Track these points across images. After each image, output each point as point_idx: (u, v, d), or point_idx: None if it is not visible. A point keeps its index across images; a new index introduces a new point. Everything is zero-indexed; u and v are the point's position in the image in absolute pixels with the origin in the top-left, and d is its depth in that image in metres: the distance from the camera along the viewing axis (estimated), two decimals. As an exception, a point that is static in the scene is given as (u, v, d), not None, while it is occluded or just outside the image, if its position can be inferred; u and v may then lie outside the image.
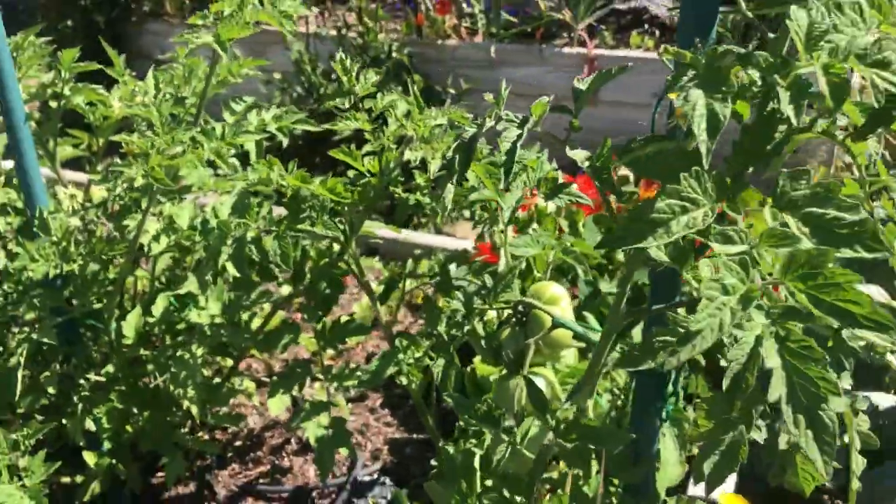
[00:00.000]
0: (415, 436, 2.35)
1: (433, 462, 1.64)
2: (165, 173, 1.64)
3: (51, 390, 1.92)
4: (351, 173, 1.70)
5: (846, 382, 1.10)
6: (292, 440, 2.37)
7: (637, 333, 1.34)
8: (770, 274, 0.80)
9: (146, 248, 1.87)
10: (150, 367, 1.91)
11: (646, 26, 4.18)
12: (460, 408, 1.34)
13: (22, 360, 1.76)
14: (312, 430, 1.78)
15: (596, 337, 1.21)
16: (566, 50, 4.01)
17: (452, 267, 1.74)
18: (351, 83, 1.62)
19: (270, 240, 1.63)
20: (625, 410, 1.45)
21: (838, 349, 1.00)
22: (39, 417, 1.92)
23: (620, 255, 2.09)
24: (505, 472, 1.30)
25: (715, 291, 0.78)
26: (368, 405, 2.47)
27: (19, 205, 1.93)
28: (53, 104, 1.99)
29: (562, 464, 1.33)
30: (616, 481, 1.34)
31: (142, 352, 2.00)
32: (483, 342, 1.57)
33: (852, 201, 0.82)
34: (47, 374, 1.90)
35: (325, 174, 1.67)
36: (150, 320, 1.88)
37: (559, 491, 1.31)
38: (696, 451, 1.11)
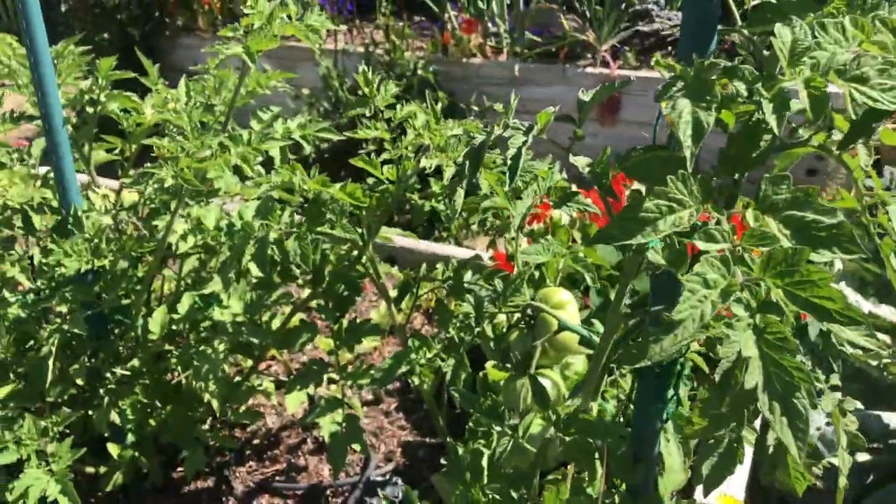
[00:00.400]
0: (428, 439, 2.41)
1: (443, 461, 1.70)
2: (194, 175, 1.73)
3: (79, 381, 2.00)
4: (370, 180, 1.78)
5: (835, 382, 1.15)
6: (308, 440, 2.44)
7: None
8: (751, 270, 0.86)
9: (174, 247, 1.96)
10: (173, 362, 1.98)
11: (669, 48, 4.23)
12: (466, 402, 1.40)
13: (53, 349, 1.84)
14: (327, 425, 1.85)
15: (600, 340, 1.26)
16: (589, 70, 4.07)
17: (468, 275, 1.81)
18: (372, 94, 1.71)
19: (292, 241, 1.71)
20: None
21: (825, 350, 1.05)
22: (67, 409, 2.01)
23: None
24: (507, 465, 1.36)
25: (697, 285, 0.84)
26: (383, 408, 2.53)
27: (54, 204, 2.02)
28: (90, 110, 2.09)
29: (569, 467, 1.38)
30: (618, 482, 1.39)
31: (166, 348, 2.08)
32: (492, 344, 1.64)
33: (830, 206, 0.87)
34: (76, 366, 1.97)
35: (348, 185, 1.75)
36: (175, 317, 1.95)
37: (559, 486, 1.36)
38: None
